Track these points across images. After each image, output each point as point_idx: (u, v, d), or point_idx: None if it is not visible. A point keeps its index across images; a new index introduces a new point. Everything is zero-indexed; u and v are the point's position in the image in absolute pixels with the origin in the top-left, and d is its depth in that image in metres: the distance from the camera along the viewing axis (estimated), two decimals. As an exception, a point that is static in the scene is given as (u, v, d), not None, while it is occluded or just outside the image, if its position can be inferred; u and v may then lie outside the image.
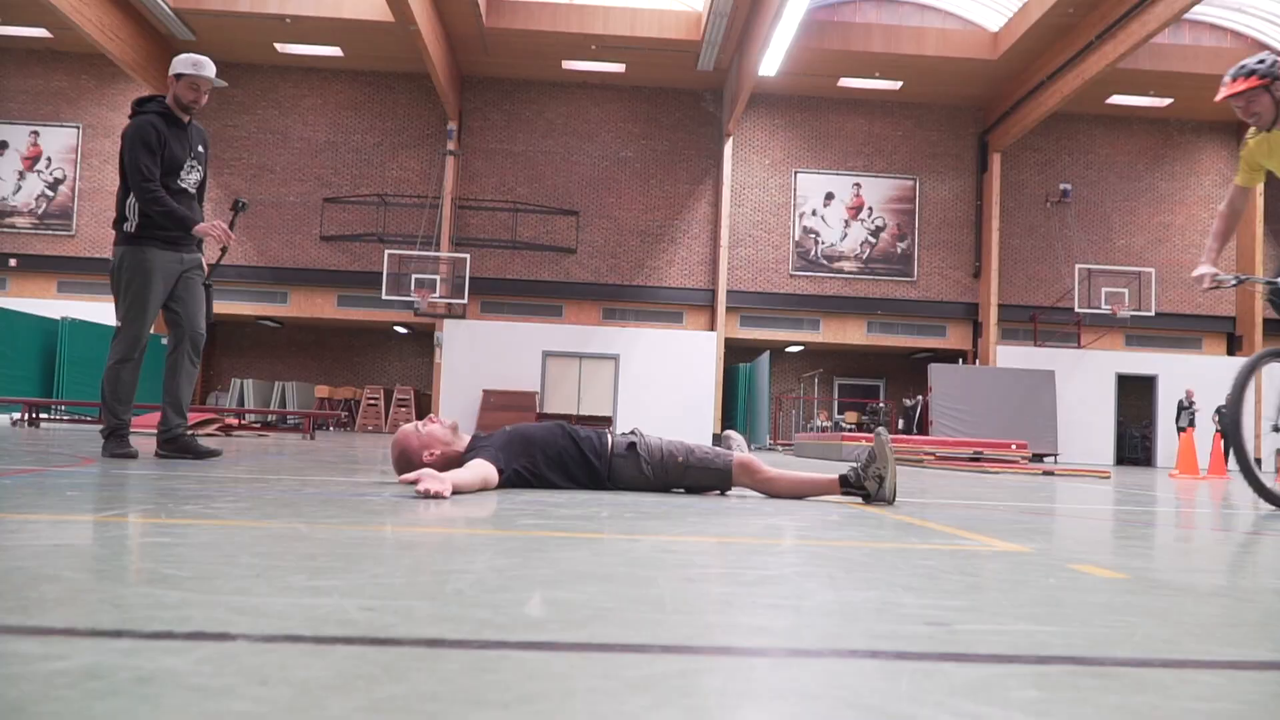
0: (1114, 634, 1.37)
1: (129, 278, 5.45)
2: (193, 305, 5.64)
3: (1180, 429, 19.01)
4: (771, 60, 19.34)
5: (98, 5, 19.32)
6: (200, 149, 5.68)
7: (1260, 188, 22.56)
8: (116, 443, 5.44)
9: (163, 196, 5.37)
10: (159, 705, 0.87)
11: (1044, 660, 1.18)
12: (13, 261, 23.23)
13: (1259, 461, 5.09)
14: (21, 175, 23.61)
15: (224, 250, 5.78)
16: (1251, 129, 4.91)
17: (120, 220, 5.49)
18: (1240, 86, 4.73)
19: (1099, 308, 23.03)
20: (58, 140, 23.69)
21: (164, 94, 5.62)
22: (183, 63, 5.60)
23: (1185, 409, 20.81)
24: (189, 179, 5.57)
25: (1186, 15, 19.30)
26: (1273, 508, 4.82)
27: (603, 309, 23.99)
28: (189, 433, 5.62)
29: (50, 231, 23.52)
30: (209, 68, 5.65)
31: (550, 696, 0.95)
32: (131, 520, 2.50)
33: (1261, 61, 4.75)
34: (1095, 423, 23.45)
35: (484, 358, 22.93)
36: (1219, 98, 4.89)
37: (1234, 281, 4.89)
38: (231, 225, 5.70)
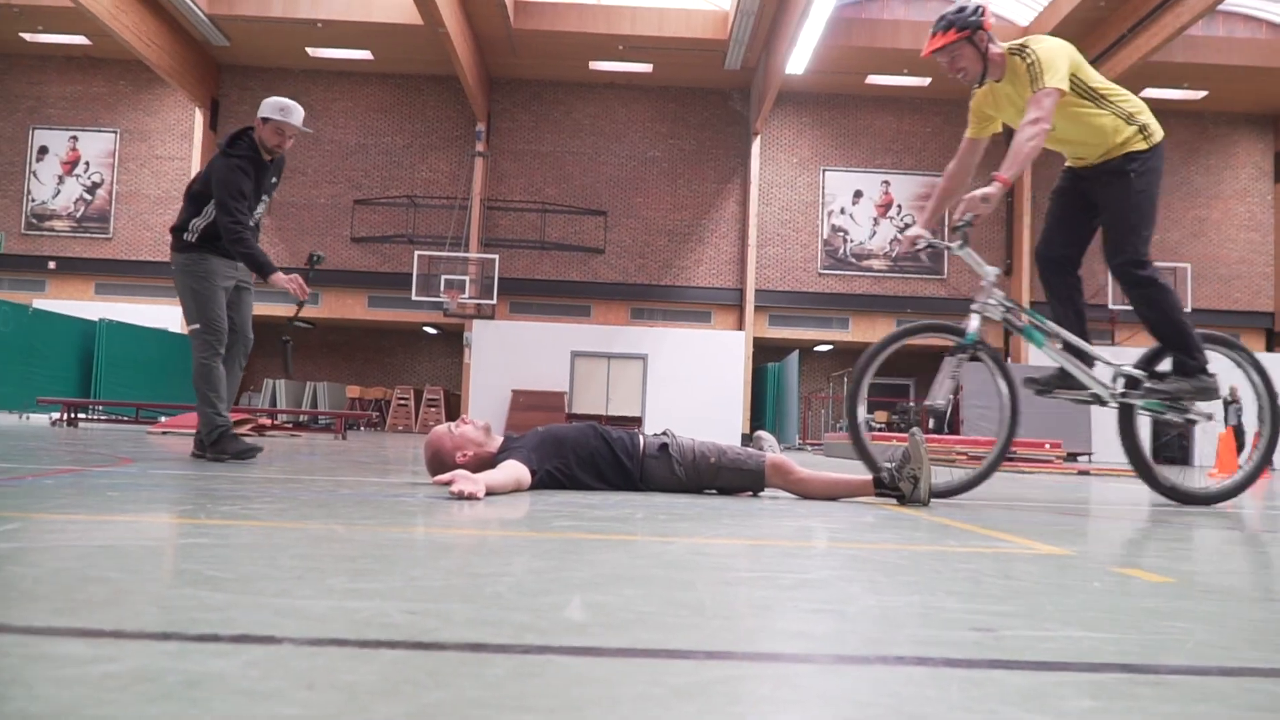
0: (1166, 640, 1.35)
1: (195, 283, 5.46)
2: (245, 311, 5.71)
3: (1228, 426, 18.74)
4: (799, 58, 19.26)
5: (135, 12, 19.54)
6: (274, 180, 5.70)
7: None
8: (230, 441, 5.39)
9: (248, 239, 5.35)
10: (209, 709, 0.87)
11: (1096, 668, 1.16)
12: (51, 264, 23.54)
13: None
14: (60, 179, 23.92)
15: (300, 305, 5.73)
16: None
17: (180, 230, 5.49)
18: (939, 42, 4.34)
19: (1133, 305, 22.73)
20: (96, 145, 23.99)
21: (252, 126, 5.59)
22: (271, 107, 5.56)
23: (1231, 404, 20.45)
24: (256, 213, 5.58)
25: (1220, 7, 19.04)
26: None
27: (631, 309, 23.99)
28: (233, 432, 5.60)
29: (88, 234, 23.81)
30: (296, 114, 5.61)
31: (598, 703, 0.94)
32: (172, 521, 2.52)
33: (961, 11, 4.31)
34: (1130, 421, 23.17)
35: (513, 358, 22.99)
36: (924, 54, 4.49)
37: (954, 247, 4.44)
38: (307, 279, 5.61)
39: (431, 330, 26.10)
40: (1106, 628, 1.43)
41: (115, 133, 24.01)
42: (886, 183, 24.25)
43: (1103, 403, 4.66)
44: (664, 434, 4.23)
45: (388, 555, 1.92)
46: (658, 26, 21.51)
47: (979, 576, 1.94)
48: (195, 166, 23.37)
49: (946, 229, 4.59)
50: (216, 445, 5.37)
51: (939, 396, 4.38)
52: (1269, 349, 24.28)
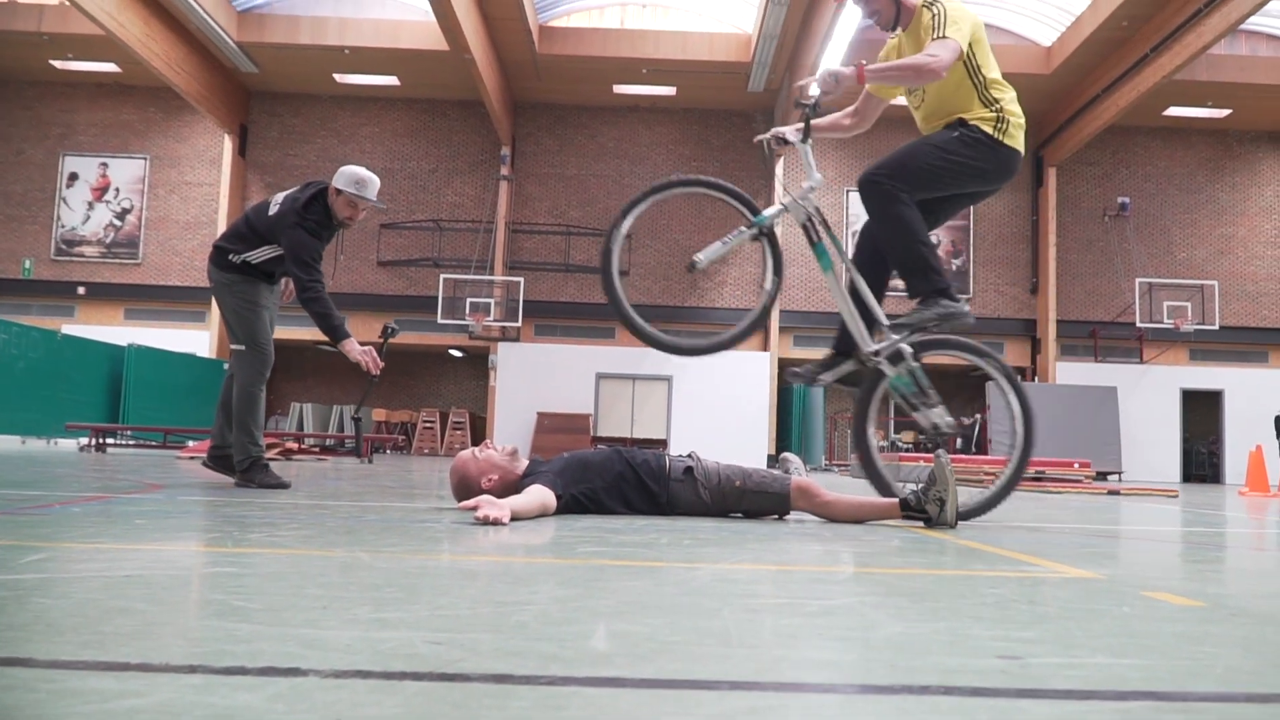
0: (1196, 666, 1.33)
1: (239, 304, 5.41)
2: (271, 328, 5.65)
3: None
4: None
5: (165, 40, 19.84)
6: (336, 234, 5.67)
7: None
8: (264, 472, 5.32)
9: (327, 300, 5.30)
10: (235, 744, 0.87)
11: (1124, 696, 1.15)
12: (81, 290, 23.83)
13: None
14: (90, 205, 24.24)
15: (373, 381, 5.59)
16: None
17: (227, 252, 5.42)
18: None
19: (1161, 322, 22.56)
20: (126, 171, 24.31)
21: (326, 187, 5.46)
22: (347, 179, 5.44)
23: None
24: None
25: (1243, 26, 18.93)
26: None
27: (658, 329, 23.98)
28: (265, 461, 5.52)
29: (117, 260, 24.10)
30: (372, 188, 5.48)
31: (621, 736, 0.94)
32: (199, 549, 2.54)
33: None
34: (1160, 439, 22.94)
35: (538, 380, 23.05)
36: None
37: (795, 139, 4.24)
38: (381, 352, 5.44)
39: (457, 353, 26.21)
40: (1134, 654, 1.41)
41: (145, 159, 24.33)
42: (910, 202, 24.16)
43: (862, 376, 4.34)
44: (689, 456, 4.22)
45: (413, 583, 1.93)
46: (681, 50, 21.62)
47: (1006, 602, 1.92)
48: (225, 192, 23.62)
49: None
50: (247, 473, 5.33)
51: (706, 253, 4.21)
52: (1301, 366, 24.02)
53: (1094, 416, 21.49)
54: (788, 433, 24.49)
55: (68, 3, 17.38)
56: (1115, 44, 19.98)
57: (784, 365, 24.17)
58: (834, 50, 17.99)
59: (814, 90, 4.13)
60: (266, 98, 24.38)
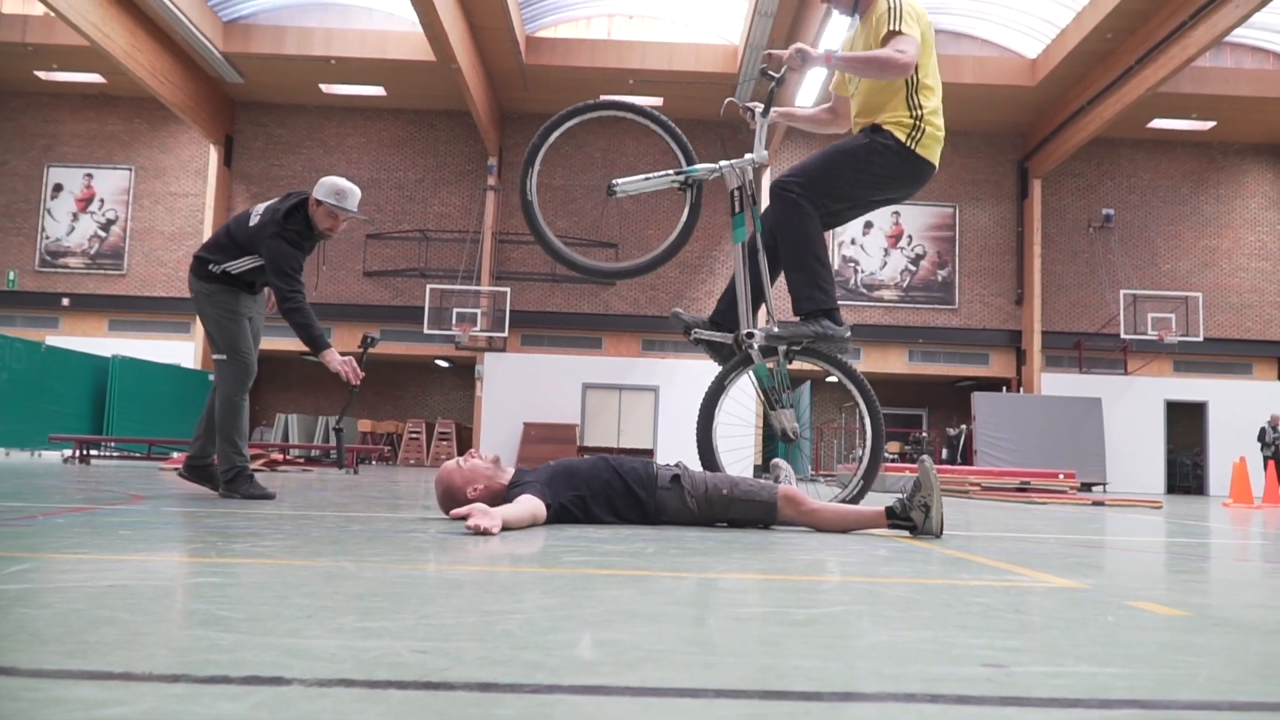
0: (1178, 675, 1.34)
1: (219, 313, 5.41)
2: (256, 344, 5.64)
3: (1266, 459, 18.64)
4: (808, 92, 19.38)
5: (150, 51, 19.80)
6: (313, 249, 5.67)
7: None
8: (249, 483, 5.30)
9: (308, 310, 5.29)
10: (218, 753, 0.87)
11: (1107, 705, 1.16)
12: (65, 301, 23.71)
13: None
14: (75, 216, 24.14)
15: (353, 392, 5.58)
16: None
17: (208, 263, 5.42)
18: None
19: (1145, 333, 22.69)
20: (110, 182, 24.22)
21: (308, 198, 5.47)
22: (327, 190, 5.46)
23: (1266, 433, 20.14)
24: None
25: (1227, 39, 19.11)
26: None
27: (642, 340, 24.02)
28: (250, 471, 5.49)
29: (102, 271, 23.99)
30: (352, 200, 5.51)
31: (606, 744, 0.94)
32: (183, 560, 2.53)
33: None
34: (1144, 451, 23.05)
35: (524, 390, 23.03)
36: None
37: (755, 110, 4.34)
38: (361, 363, 5.44)
39: (443, 363, 26.17)
40: (1119, 663, 1.42)
41: (130, 170, 24.25)
42: (897, 214, 24.29)
43: (730, 352, 4.34)
44: (676, 466, 4.22)
45: (398, 593, 1.92)
46: (668, 61, 21.69)
47: (991, 611, 1.93)
48: (210, 203, 23.56)
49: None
50: (231, 484, 5.31)
51: (626, 181, 4.30)
52: (1283, 377, 24.19)
53: (1078, 428, 21.58)
54: (774, 444, 24.48)
55: (53, 14, 17.33)
56: (1100, 56, 20.14)
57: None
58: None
59: (774, 69, 4.23)
60: (252, 108, 24.34)
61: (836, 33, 17.18)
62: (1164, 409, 23.36)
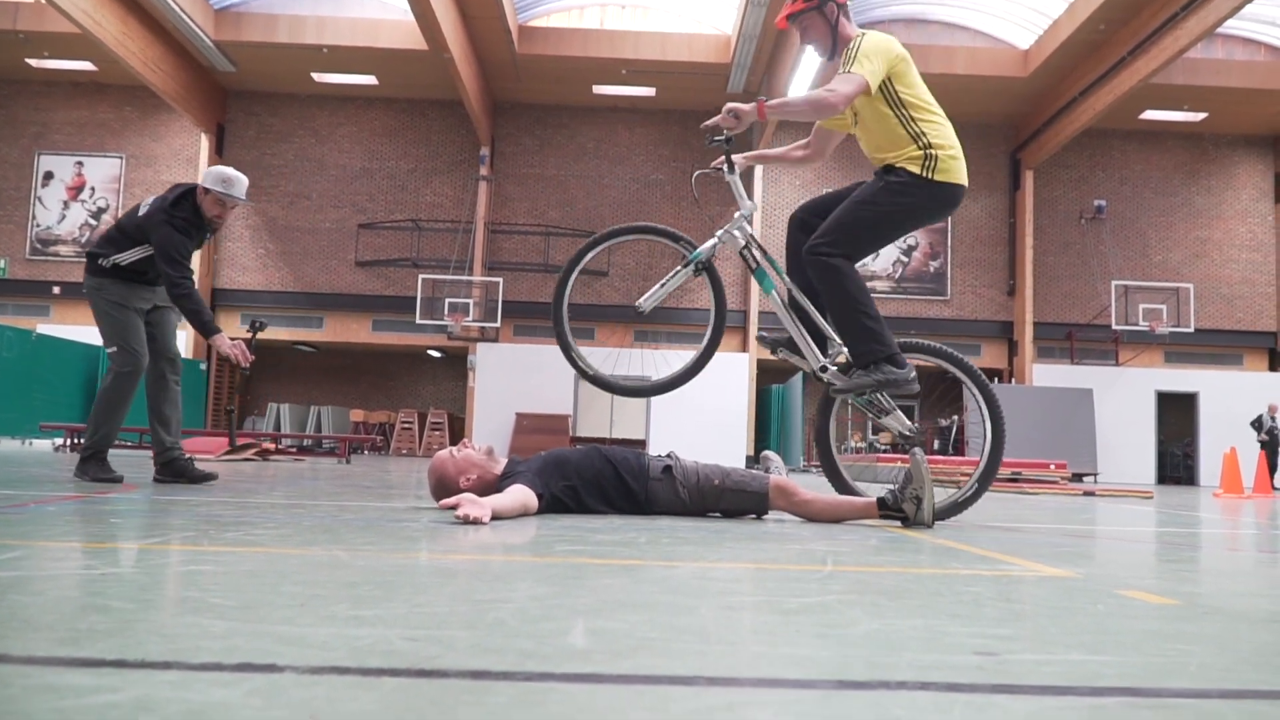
0: (1169, 663, 1.35)
1: (109, 307, 5.43)
2: (167, 331, 5.68)
3: (1261, 444, 18.80)
4: (801, 81, 19.35)
5: (141, 39, 19.68)
6: (206, 238, 5.70)
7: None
8: (100, 466, 5.34)
9: (196, 296, 5.37)
10: (210, 740, 0.87)
11: (1098, 692, 1.16)
12: (56, 289, 23.61)
13: None
14: (66, 205, 24.02)
15: (244, 373, 5.74)
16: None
17: (98, 257, 5.47)
18: (789, 10, 4.33)
19: (1136, 324, 22.74)
20: (101, 170, 24.10)
21: (196, 186, 5.54)
22: (214, 178, 5.51)
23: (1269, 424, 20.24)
24: None
25: (1219, 30, 19.11)
26: None
27: (635, 331, 24.01)
28: (186, 456, 5.58)
29: (91, 260, 23.86)
30: (239, 187, 5.58)
31: (599, 731, 0.94)
32: (175, 548, 2.52)
33: None
34: (1135, 441, 23.12)
35: (517, 380, 23.00)
36: (778, 21, 4.46)
37: (724, 171, 4.38)
38: (250, 346, 5.64)
39: (436, 354, 26.12)
40: (1109, 650, 1.42)
41: (121, 158, 24.13)
42: (889, 204, 24.27)
43: (815, 377, 4.44)
44: (668, 456, 4.23)
45: (390, 581, 1.92)
46: (660, 51, 21.63)
47: (982, 599, 1.93)
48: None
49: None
50: (83, 463, 5.35)
51: (648, 298, 4.48)
52: (1272, 368, 24.25)
53: (1070, 418, 21.64)
54: (766, 433, 24.55)
55: (44, 1, 17.22)
56: (1092, 47, 20.14)
57: (763, 367, 24.26)
58: (813, 50, 18.03)
59: (723, 134, 4.25)
60: (244, 97, 24.23)
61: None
62: (1155, 400, 23.42)
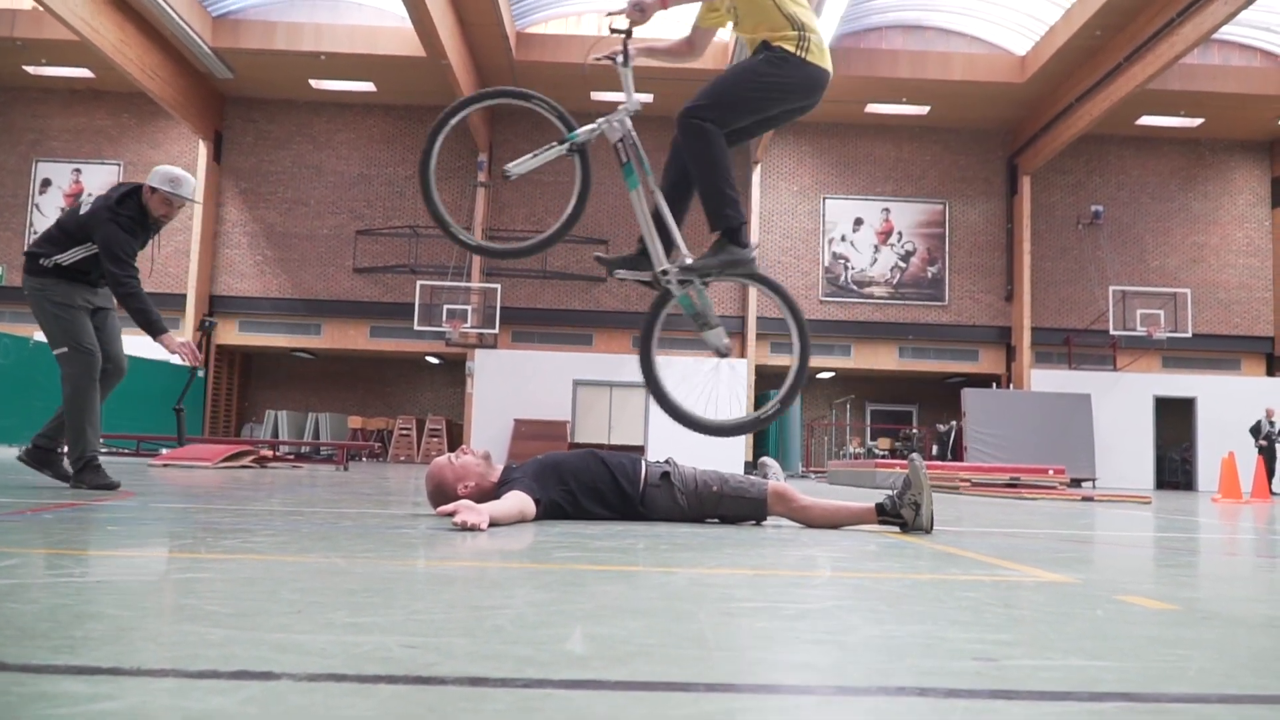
0: (1168, 668, 1.34)
1: (54, 307, 5.36)
2: (112, 334, 5.63)
3: (1260, 449, 18.84)
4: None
5: (139, 45, 19.69)
6: (151, 238, 5.69)
7: None
8: (95, 473, 5.28)
9: (142, 295, 5.35)
10: (207, 748, 0.86)
11: (1098, 697, 1.16)
12: (52, 297, 23.57)
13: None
14: (63, 212, 24.01)
15: (195, 373, 5.71)
16: None
17: (39, 258, 5.41)
18: None
19: (1134, 330, 22.77)
20: (99, 177, 24.09)
21: (141, 186, 5.51)
22: (161, 177, 5.49)
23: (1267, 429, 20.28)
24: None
25: (1215, 35, 19.15)
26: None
27: (633, 337, 23.98)
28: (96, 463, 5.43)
29: (89, 267, 23.85)
30: (186, 186, 5.56)
31: (597, 737, 0.94)
32: (172, 555, 2.52)
33: None
34: (1134, 446, 23.11)
35: (515, 387, 22.99)
36: None
37: (616, 61, 4.55)
38: (200, 346, 5.62)
39: (434, 360, 26.12)
40: (1108, 656, 1.42)
41: (118, 165, 24.13)
42: (887, 210, 24.32)
43: (656, 285, 4.50)
44: (666, 462, 4.23)
45: (388, 588, 1.92)
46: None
47: (981, 605, 1.93)
48: (199, 198, 23.43)
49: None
50: (80, 474, 5.29)
51: (517, 164, 4.49)
52: (1269, 373, 24.28)
53: (1068, 423, 21.64)
54: (765, 439, 24.55)
55: (41, 8, 17.23)
56: (1089, 53, 20.18)
57: (761, 372, 24.26)
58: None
59: (620, 23, 4.39)
60: (242, 103, 24.25)
61: (827, 26, 17.18)
62: (1153, 405, 23.43)
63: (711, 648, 1.40)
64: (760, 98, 4.36)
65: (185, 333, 22.93)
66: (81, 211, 5.46)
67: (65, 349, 5.37)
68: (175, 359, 5.63)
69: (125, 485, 5.88)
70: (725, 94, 4.33)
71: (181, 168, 23.59)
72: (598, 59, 4.70)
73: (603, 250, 5.01)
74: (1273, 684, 1.29)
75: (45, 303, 5.38)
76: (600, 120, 4.57)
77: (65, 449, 5.52)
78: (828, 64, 4.33)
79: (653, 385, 4.44)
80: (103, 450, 5.48)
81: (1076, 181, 24.65)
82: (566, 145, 4.47)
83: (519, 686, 1.12)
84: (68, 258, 5.39)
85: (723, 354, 4.61)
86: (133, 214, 5.43)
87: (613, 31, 4.41)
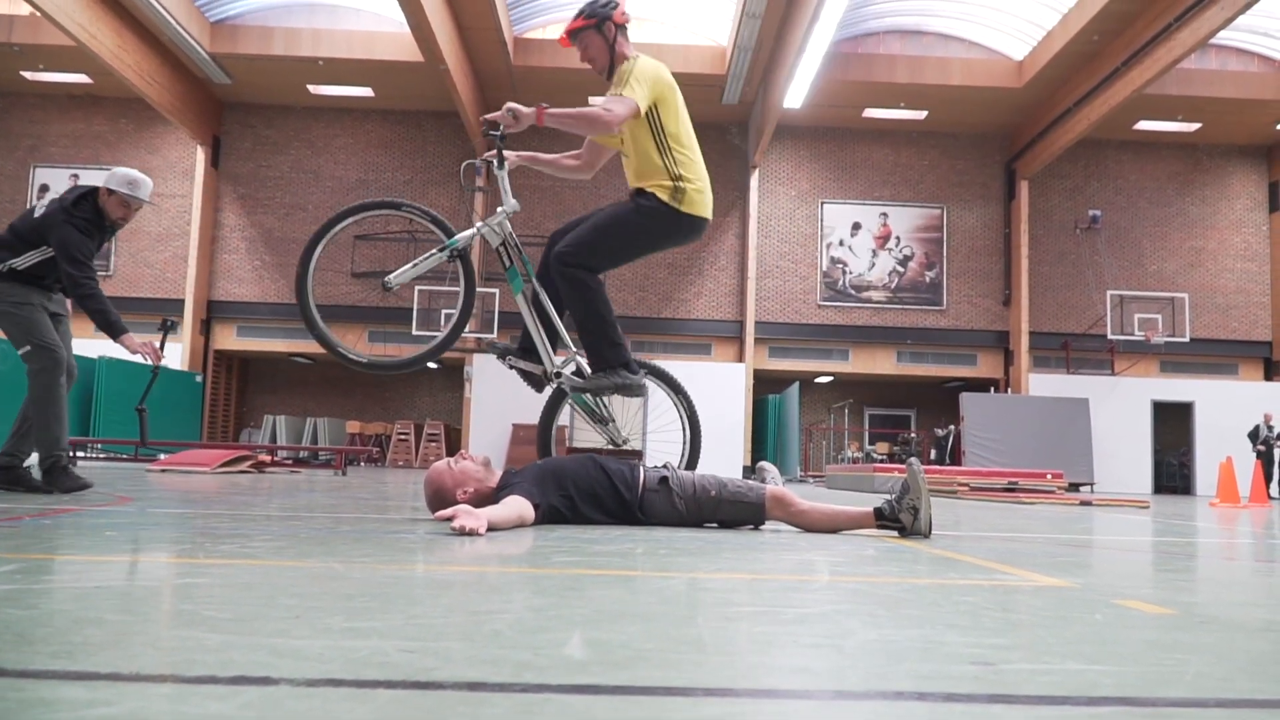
0: (1166, 672, 1.34)
1: (12, 308, 5.32)
2: (66, 341, 5.60)
3: (1258, 455, 18.87)
4: (796, 93, 19.42)
5: (137, 51, 19.71)
6: (107, 241, 5.64)
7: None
8: (66, 475, 5.26)
9: (101, 296, 5.32)
10: (205, 753, 0.86)
11: (1095, 701, 1.16)
12: (50, 302, 23.57)
13: None
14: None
15: (156, 371, 5.75)
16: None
17: None
18: (571, 26, 4.53)
19: (1132, 334, 22.79)
20: (96, 183, 24.08)
21: (97, 189, 5.50)
22: (119, 179, 5.48)
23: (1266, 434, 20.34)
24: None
25: (1213, 40, 19.19)
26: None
27: (630, 342, 24.01)
28: (26, 466, 5.41)
29: (87, 272, 23.84)
30: (144, 188, 5.55)
31: (595, 742, 0.94)
32: (170, 560, 2.52)
33: (594, 1, 4.53)
34: (1132, 451, 23.11)
35: (513, 392, 22.72)
36: (560, 39, 4.65)
37: (494, 164, 4.62)
38: (161, 345, 5.58)
39: (432, 365, 26.13)
40: (1106, 660, 1.42)
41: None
42: (885, 215, 24.35)
43: (543, 382, 4.70)
44: (664, 467, 4.23)
45: (386, 593, 1.91)
46: (655, 62, 21.68)
47: (979, 610, 1.93)
48: (197, 204, 23.46)
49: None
50: (49, 475, 5.26)
51: (396, 275, 4.61)
52: (1267, 378, 24.30)
53: (1066, 428, 21.65)
54: (763, 443, 24.54)
55: (39, 14, 17.23)
56: (1086, 58, 20.22)
57: (759, 378, 24.25)
58: (808, 62, 18.11)
59: (499, 127, 4.45)
60: (240, 109, 24.26)
61: (822, 39, 17.20)
62: (1151, 409, 23.44)
63: (710, 652, 1.40)
64: (633, 247, 4.53)
65: (185, 337, 22.96)
66: (36, 214, 5.42)
67: (28, 347, 5.33)
68: (137, 358, 5.60)
69: (123, 491, 5.88)
70: (600, 244, 4.45)
71: (180, 173, 23.56)
72: (472, 163, 4.81)
73: (497, 340, 5.21)
74: (1270, 688, 1.29)
75: (2, 304, 5.32)
76: (479, 224, 4.66)
77: (28, 459, 5.47)
78: (703, 211, 4.47)
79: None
80: (71, 453, 5.46)
81: (1074, 186, 24.69)
82: (447, 252, 4.56)
83: (517, 691, 1.12)
84: (22, 262, 5.31)
85: (618, 446, 4.81)
86: (88, 216, 5.40)
87: (486, 135, 4.48)
